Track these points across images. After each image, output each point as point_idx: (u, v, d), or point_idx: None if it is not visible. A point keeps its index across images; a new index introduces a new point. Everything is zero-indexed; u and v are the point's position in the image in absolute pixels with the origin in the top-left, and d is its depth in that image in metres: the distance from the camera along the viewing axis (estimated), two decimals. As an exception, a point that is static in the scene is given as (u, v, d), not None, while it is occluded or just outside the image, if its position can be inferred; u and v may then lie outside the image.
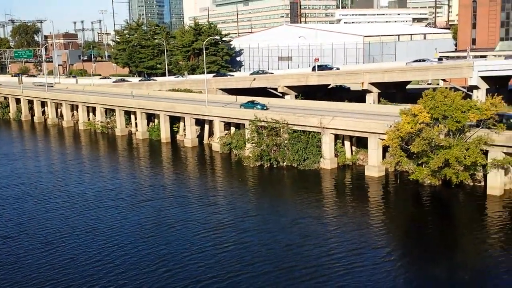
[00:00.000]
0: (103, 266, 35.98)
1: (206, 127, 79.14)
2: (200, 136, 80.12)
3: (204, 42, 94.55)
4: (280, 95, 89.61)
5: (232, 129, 74.22)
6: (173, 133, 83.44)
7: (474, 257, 36.45)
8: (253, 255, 37.23)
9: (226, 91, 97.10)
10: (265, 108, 70.94)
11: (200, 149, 76.18)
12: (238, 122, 71.84)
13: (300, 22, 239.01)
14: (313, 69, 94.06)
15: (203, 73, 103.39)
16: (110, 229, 43.53)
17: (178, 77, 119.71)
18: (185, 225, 43.95)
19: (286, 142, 63.57)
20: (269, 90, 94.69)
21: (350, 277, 33.24)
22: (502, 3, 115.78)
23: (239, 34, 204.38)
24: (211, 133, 78.40)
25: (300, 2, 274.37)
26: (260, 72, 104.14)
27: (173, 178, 62.07)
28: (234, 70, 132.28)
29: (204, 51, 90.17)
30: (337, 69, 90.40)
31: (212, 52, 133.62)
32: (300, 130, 63.60)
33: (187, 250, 38.46)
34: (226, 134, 74.41)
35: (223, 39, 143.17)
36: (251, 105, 72.87)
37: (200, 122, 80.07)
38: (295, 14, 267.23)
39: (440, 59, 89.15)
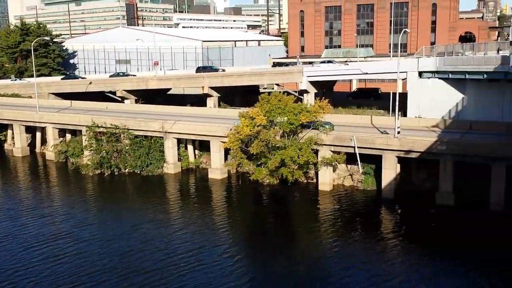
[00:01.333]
0: None
1: (38, 134, 73.20)
2: (32, 145, 73.86)
3: (33, 43, 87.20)
4: (119, 99, 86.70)
5: (68, 136, 69.79)
6: (0, 142, 75.70)
7: (310, 248, 39.36)
8: (90, 264, 35.72)
9: (59, 96, 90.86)
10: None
11: (32, 159, 70.28)
12: (74, 129, 67.81)
13: (138, 25, 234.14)
14: (198, 70, 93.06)
15: (32, 76, 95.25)
16: None
17: (16, 80, 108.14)
18: (14, 239, 40.30)
19: (127, 148, 61.73)
20: (107, 94, 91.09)
21: (190, 276, 33.86)
22: (325, 14, 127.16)
23: (72, 35, 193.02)
24: (44, 141, 72.73)
25: (136, 5, 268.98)
26: (121, 74, 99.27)
27: (-1, 192, 56.24)
28: (68, 73, 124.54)
29: (32, 53, 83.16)
30: (223, 70, 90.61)
31: (42, 53, 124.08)
32: (142, 135, 62.30)
33: (13, 266, 35.35)
34: (61, 142, 69.63)
35: (54, 40, 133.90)
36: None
37: (31, 130, 73.74)
38: (132, 17, 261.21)
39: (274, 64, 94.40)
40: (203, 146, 63.56)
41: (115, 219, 46.17)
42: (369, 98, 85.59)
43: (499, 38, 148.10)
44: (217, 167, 58.56)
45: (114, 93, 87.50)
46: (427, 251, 37.81)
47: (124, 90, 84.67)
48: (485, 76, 56.44)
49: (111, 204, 51.57)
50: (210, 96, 79.40)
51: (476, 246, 37.54)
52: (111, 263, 36.07)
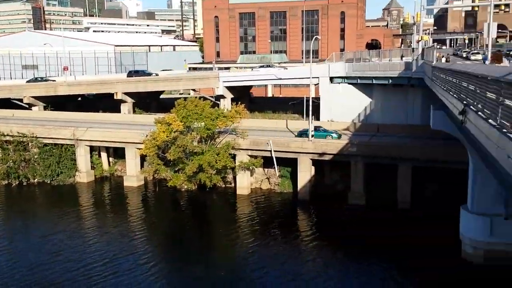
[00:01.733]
0: None
1: None
2: None
3: None
4: (27, 106, 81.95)
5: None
6: None
7: (228, 252, 39.54)
8: (-2, 280, 33.50)
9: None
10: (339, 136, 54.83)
11: None
12: (-25, 138, 63.12)
13: (45, 29, 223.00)
14: (129, 74, 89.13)
15: None
16: None
17: None
18: None
19: (36, 157, 58.54)
20: (13, 101, 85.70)
21: (102, 286, 32.68)
22: (240, 20, 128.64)
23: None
24: None
25: (43, 8, 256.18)
26: (39, 79, 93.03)
27: None
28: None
29: None
30: (156, 75, 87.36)
31: None
32: (52, 144, 59.37)
33: None
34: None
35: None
36: (323, 133, 54.32)
37: None
38: (39, 20, 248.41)
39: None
40: (118, 153, 61.77)
41: (24, 230, 43.74)
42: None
43: (402, 45, 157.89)
44: (133, 175, 57.12)
45: (21, 100, 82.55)
46: (339, 249, 39.28)
47: (32, 97, 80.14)
48: (390, 81, 59.82)
49: (18, 215, 48.65)
50: (124, 102, 77.31)
51: (384, 243, 39.57)
52: (19, 276, 34.09)
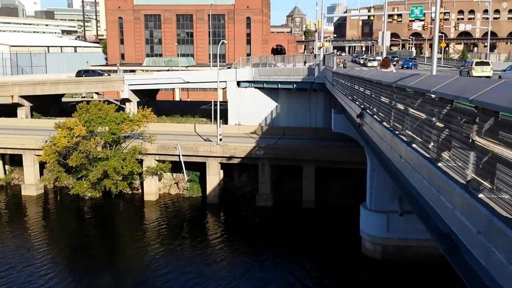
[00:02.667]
0: None
1: None
2: None
3: None
4: None
5: None
6: None
7: (136, 259, 38.55)
8: None
9: None
10: None
11: None
12: None
13: None
14: (78, 74, 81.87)
15: None
16: None
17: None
18: None
19: None
20: None
21: None
22: (145, 22, 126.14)
23: None
24: None
25: None
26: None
27: None
28: None
29: None
30: (109, 75, 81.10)
31: None
32: None
33: None
34: None
35: None
36: None
37: None
38: None
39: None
40: (15, 160, 57.94)
41: None
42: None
43: (305, 51, 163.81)
44: (31, 183, 53.86)
45: None
46: (246, 249, 39.79)
47: None
48: (294, 85, 61.83)
49: None
50: (21, 105, 72.69)
51: (289, 242, 40.84)
52: None
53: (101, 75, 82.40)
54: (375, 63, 66.18)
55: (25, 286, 32.88)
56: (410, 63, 73.88)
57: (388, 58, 33.57)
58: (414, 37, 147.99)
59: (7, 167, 58.46)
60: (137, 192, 53.93)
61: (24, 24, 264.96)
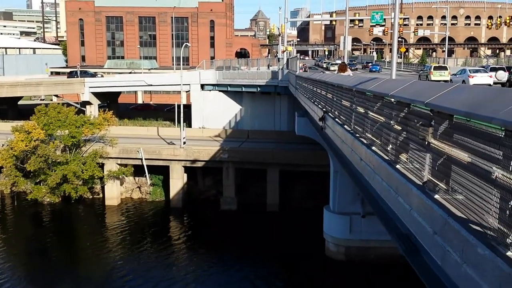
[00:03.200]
0: None
1: None
2: None
3: None
4: None
5: None
6: None
7: (96, 266, 37.73)
8: None
9: None
10: None
11: None
12: None
13: None
14: (69, 75, 78.40)
15: None
16: None
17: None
18: None
19: None
20: None
21: None
22: (106, 24, 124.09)
23: None
24: None
25: None
26: None
27: None
28: None
29: None
30: (102, 76, 78.08)
31: None
32: None
33: None
34: None
35: None
36: None
37: None
38: None
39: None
40: (-31, 165, 55.77)
41: None
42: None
43: (269, 54, 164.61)
44: (-14, 188, 51.98)
45: None
46: (209, 252, 39.57)
47: None
48: (258, 89, 62.01)
49: None
50: (-24, 108, 70.28)
51: (253, 245, 40.84)
52: None
53: (94, 76, 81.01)
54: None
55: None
56: (378, 67, 79.73)
57: (345, 63, 34.29)
58: (375, 42, 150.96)
59: (-39, 172, 56.21)
60: (98, 196, 52.82)
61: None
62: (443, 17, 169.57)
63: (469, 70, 39.53)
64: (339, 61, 68.68)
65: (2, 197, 52.95)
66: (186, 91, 66.77)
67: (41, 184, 48.52)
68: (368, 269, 34.27)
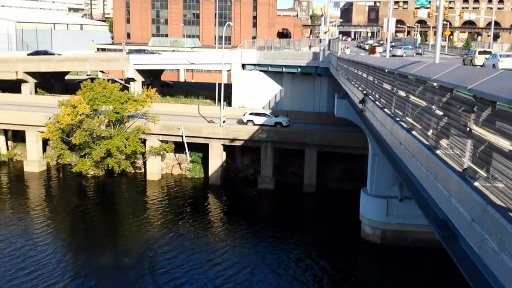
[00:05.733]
0: None
1: None
2: None
3: None
4: None
5: None
6: None
7: (137, 239, 38.92)
8: None
9: None
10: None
11: None
12: None
13: None
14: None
15: None
16: None
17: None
18: None
19: None
20: None
21: (11, 284, 30.89)
22: (152, 2, 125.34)
23: None
24: None
25: None
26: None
27: None
28: None
29: None
30: (59, 55, 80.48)
31: None
32: None
33: None
34: None
35: None
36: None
37: None
38: None
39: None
40: (18, 136, 58.23)
41: None
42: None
43: (311, 35, 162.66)
44: (34, 159, 54.22)
45: None
46: (247, 230, 40.11)
47: None
48: (299, 70, 61.65)
49: None
50: (26, 82, 72.78)
51: (291, 225, 41.18)
52: None
53: (52, 55, 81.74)
54: (381, 49, 65.87)
55: (25, 260, 33.34)
56: (409, 46, 77.18)
57: (374, 46, 34.25)
58: (419, 24, 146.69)
59: (9, 143, 58.77)
60: (139, 171, 54.26)
61: (30, 0, 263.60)
62: (490, 1, 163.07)
63: (499, 54, 38.70)
64: (369, 43, 67.11)
65: (48, 168, 55.13)
66: (227, 70, 67.07)
67: (86, 157, 50.20)
68: (404, 253, 34.11)
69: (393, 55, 67.13)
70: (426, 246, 31.41)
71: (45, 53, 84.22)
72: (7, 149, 58.23)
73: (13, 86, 76.90)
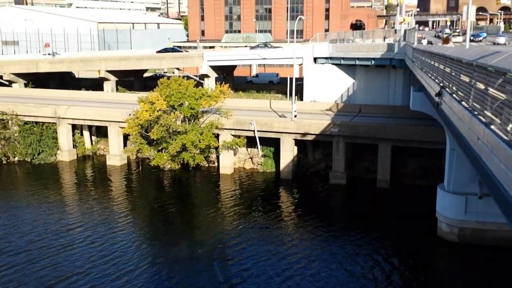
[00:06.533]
0: None
1: None
2: None
3: None
4: (7, 83, 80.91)
5: None
6: None
7: (211, 231, 40.01)
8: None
9: None
10: None
11: None
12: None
13: (26, 4, 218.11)
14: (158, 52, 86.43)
15: None
16: None
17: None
18: None
19: (16, 135, 58.16)
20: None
21: (92, 269, 32.85)
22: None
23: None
24: None
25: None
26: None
27: None
28: None
29: None
30: (187, 51, 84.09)
31: None
32: (33, 122, 58.99)
33: None
34: None
35: None
36: None
37: None
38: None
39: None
40: (101, 132, 61.65)
41: (5, 212, 43.60)
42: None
43: (386, 26, 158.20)
44: (115, 154, 57.17)
45: (1, 76, 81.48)
46: (320, 225, 39.99)
47: (12, 74, 79.14)
48: (373, 62, 60.31)
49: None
50: (107, 80, 76.76)
51: (364, 221, 40.55)
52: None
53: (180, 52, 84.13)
54: (460, 39, 62.93)
55: (106, 247, 35.31)
56: (484, 34, 75.11)
57: (447, 36, 32.90)
58: (502, 11, 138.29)
59: (93, 138, 62.32)
60: (213, 165, 55.63)
61: (111, 1, 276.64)
62: None
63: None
64: (458, 32, 64.13)
65: (129, 162, 57.91)
66: (299, 64, 66.95)
67: (163, 152, 52.24)
68: (483, 252, 32.61)
69: (495, 43, 63.85)
70: (507, 245, 29.85)
71: (173, 50, 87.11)
72: (91, 143, 61.79)
73: (96, 84, 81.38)
